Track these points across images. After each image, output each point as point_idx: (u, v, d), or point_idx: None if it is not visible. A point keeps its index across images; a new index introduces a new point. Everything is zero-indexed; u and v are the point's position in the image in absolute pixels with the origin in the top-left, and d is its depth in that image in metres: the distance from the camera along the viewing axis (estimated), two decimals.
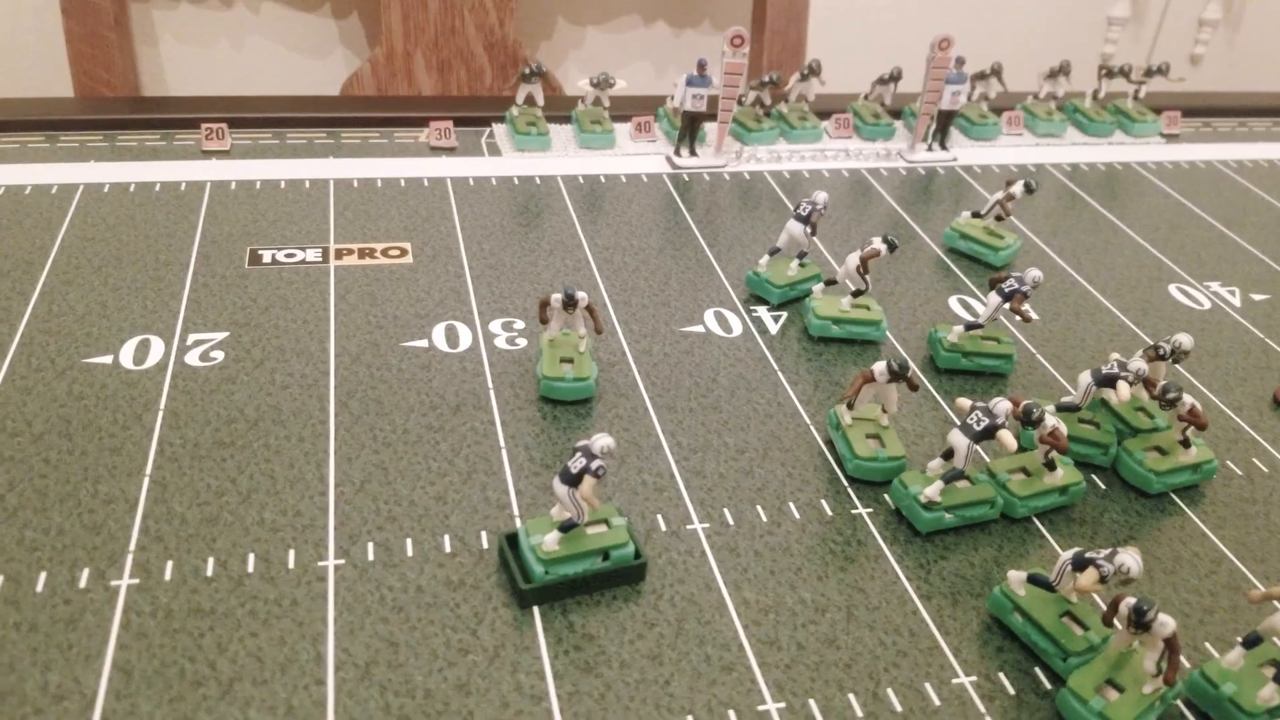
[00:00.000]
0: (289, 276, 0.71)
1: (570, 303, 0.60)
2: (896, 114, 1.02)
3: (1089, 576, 0.44)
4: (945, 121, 0.96)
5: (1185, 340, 0.60)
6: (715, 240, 0.81)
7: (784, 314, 0.72)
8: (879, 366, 0.56)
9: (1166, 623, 0.42)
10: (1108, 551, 0.45)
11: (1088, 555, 0.45)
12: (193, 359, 0.62)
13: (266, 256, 0.74)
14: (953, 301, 0.76)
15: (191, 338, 0.64)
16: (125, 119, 0.92)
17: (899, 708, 0.45)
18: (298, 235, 0.77)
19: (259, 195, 0.82)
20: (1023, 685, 0.46)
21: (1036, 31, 1.45)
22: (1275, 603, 0.46)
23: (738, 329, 0.70)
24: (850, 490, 0.57)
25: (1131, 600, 0.43)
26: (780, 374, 0.66)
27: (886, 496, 0.56)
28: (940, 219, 0.86)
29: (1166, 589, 0.52)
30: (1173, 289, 0.80)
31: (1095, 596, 0.50)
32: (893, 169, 0.95)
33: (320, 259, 0.74)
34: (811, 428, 0.61)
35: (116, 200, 0.79)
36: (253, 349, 0.64)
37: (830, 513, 0.55)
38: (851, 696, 0.45)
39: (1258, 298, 0.80)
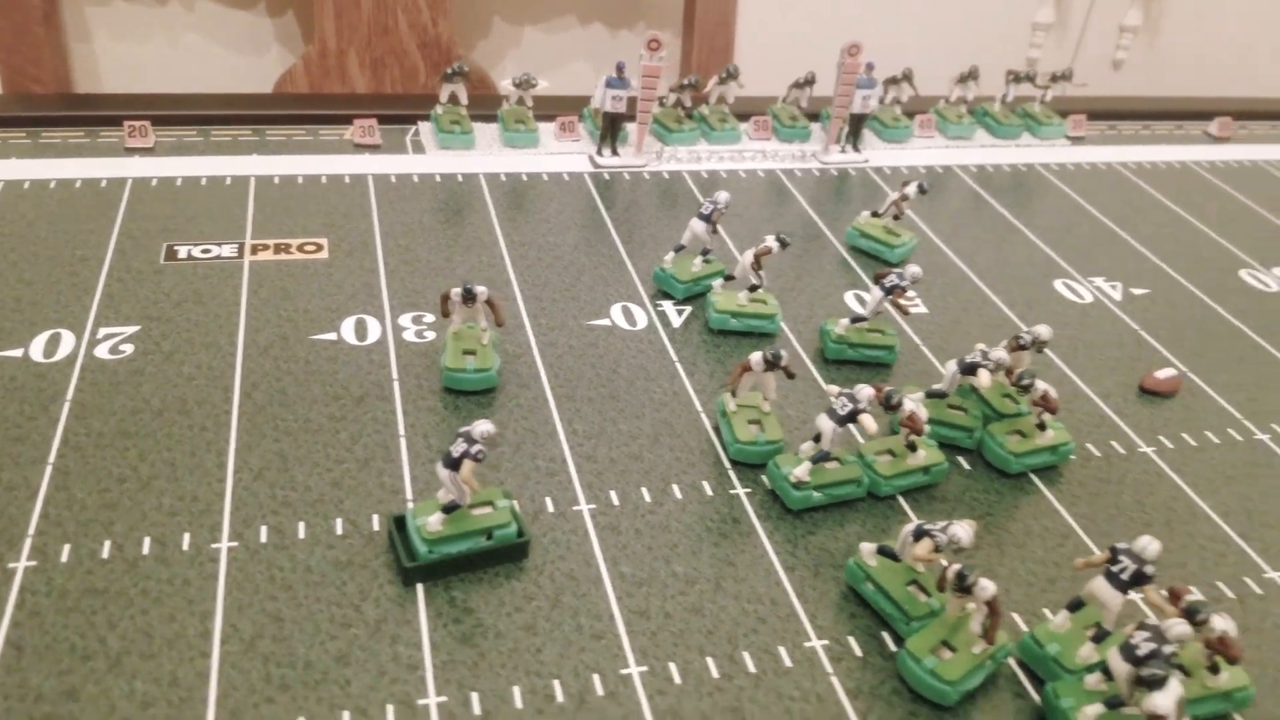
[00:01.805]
0: (204, 272, 0.74)
1: (469, 297, 0.63)
2: (814, 117, 1.06)
3: (924, 546, 0.48)
4: (857, 124, 0.99)
5: (1043, 331, 0.64)
6: (630, 238, 0.84)
7: (688, 308, 0.76)
8: (755, 357, 0.60)
9: (986, 587, 0.46)
10: (944, 524, 0.49)
11: (925, 527, 0.49)
12: (102, 352, 0.64)
13: (183, 252, 0.76)
14: (849, 296, 0.79)
15: (103, 331, 0.66)
16: (50, 116, 0.93)
17: (753, 669, 0.48)
18: (215, 231, 0.79)
19: (179, 192, 0.84)
20: (870, 648, 0.50)
21: (963, 37, 1.49)
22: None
23: (643, 322, 0.73)
24: (731, 473, 0.60)
25: (956, 567, 0.46)
26: (679, 365, 0.69)
27: (764, 477, 0.60)
28: (848, 218, 0.89)
29: (1015, 560, 0.56)
30: (1058, 284, 0.84)
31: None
32: (807, 170, 0.99)
33: (236, 254, 0.76)
34: (702, 415, 0.65)
35: (36, 197, 0.81)
36: (162, 342, 0.66)
37: (711, 493, 0.58)
38: (709, 659, 0.48)
39: (1138, 292, 0.84)
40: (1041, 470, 0.63)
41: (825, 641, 0.50)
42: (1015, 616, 0.53)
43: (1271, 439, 0.69)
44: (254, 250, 0.77)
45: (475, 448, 0.49)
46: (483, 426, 0.50)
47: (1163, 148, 1.14)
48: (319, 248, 0.78)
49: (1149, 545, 0.47)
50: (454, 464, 0.50)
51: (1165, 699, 0.41)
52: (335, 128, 0.98)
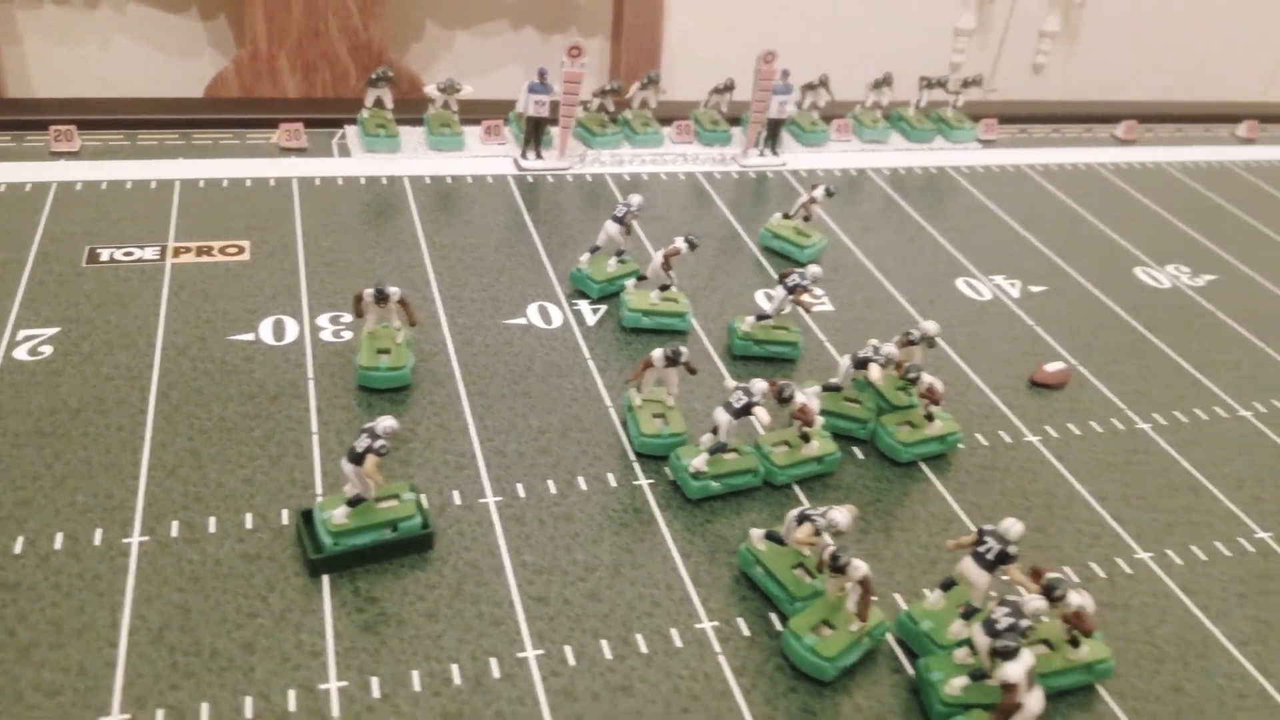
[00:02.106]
0: (125, 274, 0.75)
1: (382, 297, 0.65)
2: (736, 121, 1.09)
3: (805, 530, 0.51)
4: (774, 129, 1.02)
5: (931, 327, 0.68)
6: (550, 239, 0.87)
7: (604, 308, 0.78)
8: (657, 353, 0.62)
9: (859, 567, 0.49)
10: (824, 509, 0.52)
11: (807, 512, 0.52)
12: (21, 354, 0.65)
13: (105, 255, 0.77)
14: (759, 295, 0.82)
15: (22, 333, 0.67)
16: None
17: (645, 650, 0.51)
18: (138, 234, 0.80)
19: (104, 196, 0.85)
20: (757, 628, 0.53)
21: (887, 43, 1.53)
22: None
23: (558, 321, 0.76)
24: (636, 465, 0.63)
25: (831, 548, 0.49)
26: (591, 362, 0.72)
27: (667, 469, 0.62)
28: (763, 220, 0.92)
29: (900, 544, 0.59)
30: (960, 282, 0.88)
31: None
32: (726, 173, 1.02)
33: (158, 257, 0.77)
34: (611, 410, 0.67)
35: None
36: (82, 343, 0.67)
37: (615, 484, 0.61)
38: (604, 642, 0.51)
39: (1035, 290, 0.88)
40: (931, 459, 0.66)
41: (715, 623, 0.53)
42: (897, 597, 0.56)
43: (1153, 428, 0.73)
44: (176, 253, 0.78)
45: (378, 443, 0.52)
46: (386, 422, 0.52)
47: (1071, 150, 1.18)
48: (241, 250, 0.79)
49: (1012, 527, 0.51)
50: (358, 459, 0.52)
51: (1016, 669, 0.44)
52: (262, 131, 0.99)
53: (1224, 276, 0.96)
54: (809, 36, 1.45)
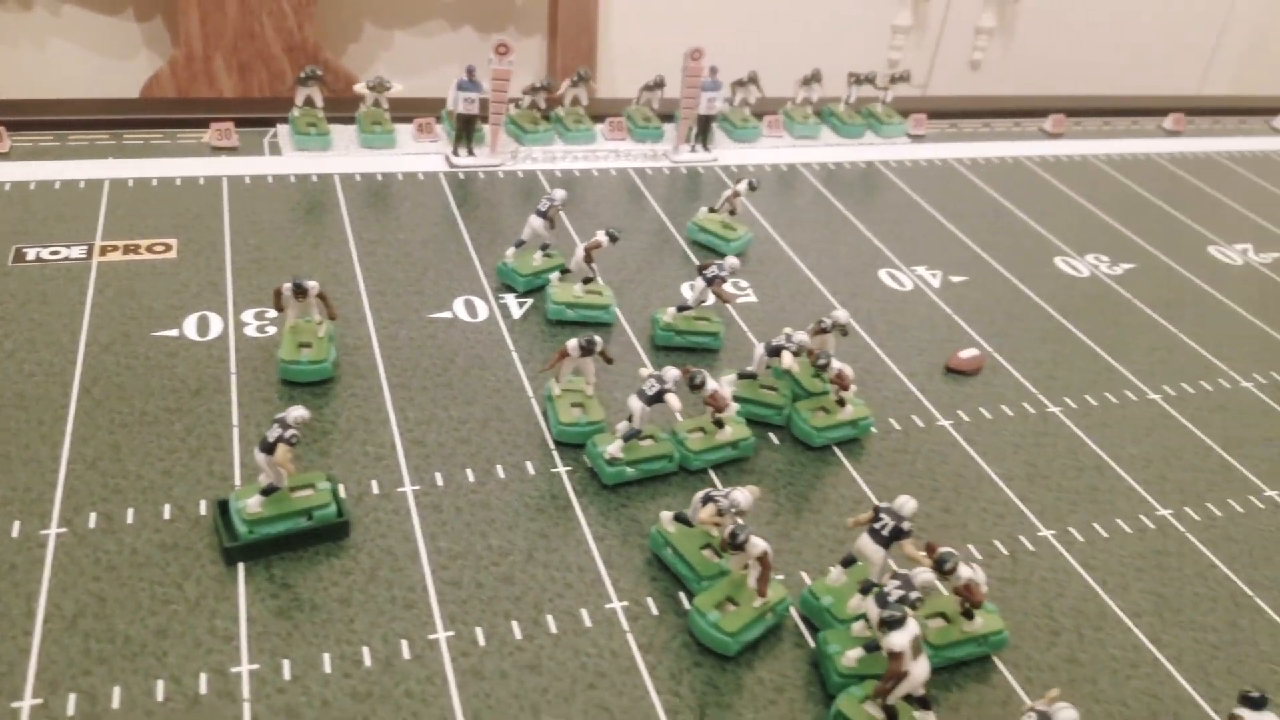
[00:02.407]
0: (51, 273, 0.75)
1: (300, 291, 0.66)
2: (669, 118, 1.11)
3: (708, 510, 0.53)
4: (705, 125, 1.04)
5: (841, 315, 0.70)
6: (480, 234, 0.88)
7: (530, 301, 0.79)
8: (572, 343, 0.64)
9: (757, 544, 0.51)
10: (727, 490, 0.53)
11: (711, 493, 0.54)
12: None
13: (31, 255, 0.77)
14: (684, 288, 0.84)
15: None
16: None
17: (554, 630, 0.52)
18: (66, 234, 0.80)
19: (32, 196, 0.85)
20: (666, 608, 0.54)
21: (826, 41, 1.56)
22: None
23: (484, 314, 0.77)
24: (555, 453, 0.64)
25: (730, 526, 0.51)
26: (515, 354, 0.73)
27: (585, 457, 0.64)
28: (693, 215, 0.94)
29: (809, 525, 0.61)
30: (883, 274, 0.90)
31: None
32: (658, 169, 1.04)
33: (85, 256, 0.77)
34: (533, 401, 0.68)
35: None
36: (4, 341, 0.67)
37: (533, 472, 0.62)
38: (514, 623, 0.52)
39: (956, 280, 0.90)
40: (844, 443, 0.68)
41: (625, 603, 0.54)
42: (804, 575, 0.58)
43: (1063, 411, 0.76)
44: (103, 251, 0.78)
45: (289, 432, 0.53)
46: (296, 411, 0.53)
47: (999, 144, 1.21)
48: (168, 248, 0.80)
49: (906, 504, 0.53)
50: (269, 448, 0.53)
51: (900, 637, 0.46)
52: (194, 131, 0.99)
53: (1142, 265, 0.99)
54: (747, 36, 1.48)
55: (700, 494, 0.55)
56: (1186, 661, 0.57)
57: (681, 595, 0.55)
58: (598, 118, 1.08)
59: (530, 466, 0.63)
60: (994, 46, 1.72)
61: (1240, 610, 0.61)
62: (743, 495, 0.53)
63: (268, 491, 0.53)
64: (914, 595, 0.49)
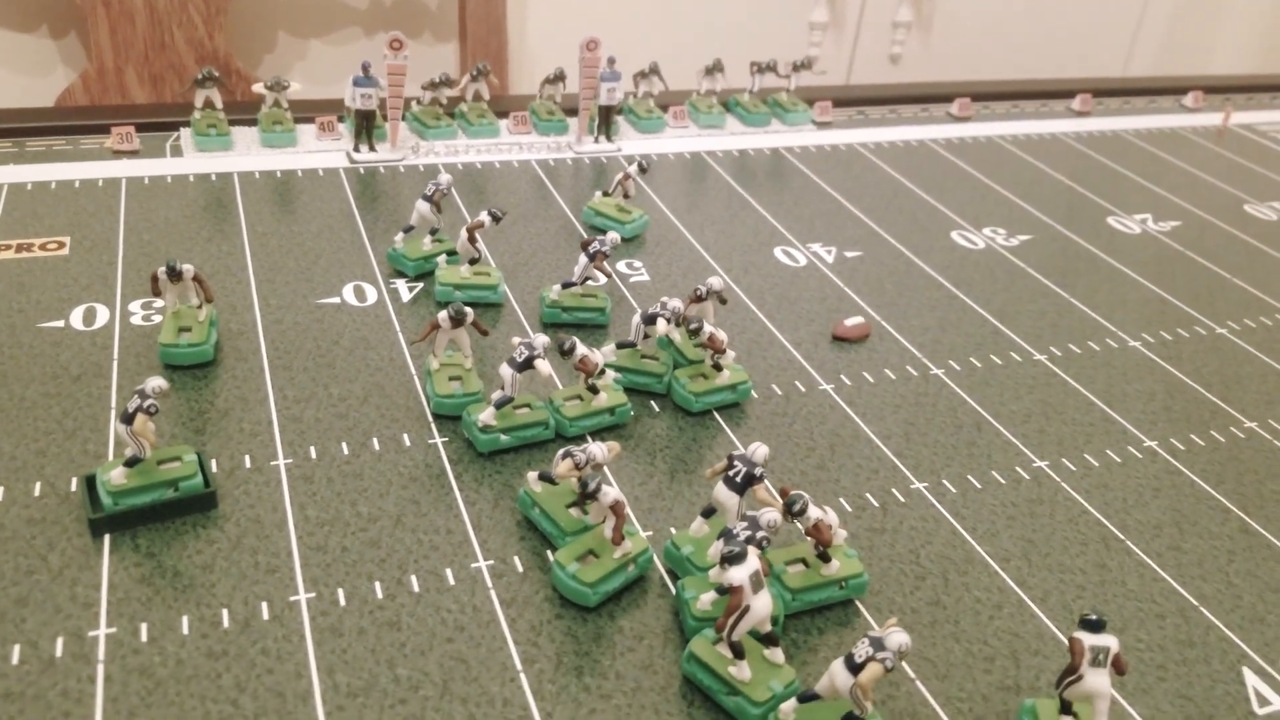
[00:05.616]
0: None
1: (174, 274, 0.66)
2: (573, 112, 1.12)
3: (565, 465, 0.54)
4: (606, 116, 1.06)
5: (715, 282, 0.71)
6: (375, 225, 0.89)
7: (420, 285, 0.80)
8: (442, 314, 0.65)
9: (609, 493, 0.52)
10: (584, 445, 0.55)
11: (569, 449, 0.55)
12: None
13: None
14: (577, 268, 0.85)
15: None
16: None
17: (417, 589, 0.53)
18: None
19: None
20: (532, 565, 0.55)
21: (745, 35, 1.59)
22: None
23: (373, 299, 0.78)
24: (433, 425, 0.65)
25: (584, 478, 0.52)
26: (400, 334, 0.74)
27: (461, 428, 0.65)
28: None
29: (683, 485, 0.62)
30: (778, 251, 0.92)
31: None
32: (561, 159, 1.05)
33: None
34: (415, 378, 0.69)
35: None
36: None
37: (409, 444, 0.63)
38: (377, 584, 0.53)
39: (850, 255, 0.92)
40: (724, 409, 0.70)
41: (491, 562, 0.55)
42: (673, 530, 0.59)
43: (946, 373, 0.77)
44: None
45: (148, 401, 0.53)
46: (154, 382, 0.54)
47: (906, 129, 1.24)
48: (61, 245, 0.80)
49: (757, 450, 0.54)
50: (129, 419, 0.53)
51: (739, 572, 0.47)
52: (97, 137, 1.00)
53: (1040, 236, 1.01)
54: (662, 34, 1.50)
55: (561, 451, 0.56)
56: (1051, 601, 0.58)
57: (549, 553, 0.56)
58: (502, 114, 1.09)
59: (407, 439, 0.64)
60: (912, 40, 1.75)
61: (1110, 552, 0.62)
62: (599, 449, 0.54)
63: (131, 463, 0.54)
64: (760, 535, 0.50)
